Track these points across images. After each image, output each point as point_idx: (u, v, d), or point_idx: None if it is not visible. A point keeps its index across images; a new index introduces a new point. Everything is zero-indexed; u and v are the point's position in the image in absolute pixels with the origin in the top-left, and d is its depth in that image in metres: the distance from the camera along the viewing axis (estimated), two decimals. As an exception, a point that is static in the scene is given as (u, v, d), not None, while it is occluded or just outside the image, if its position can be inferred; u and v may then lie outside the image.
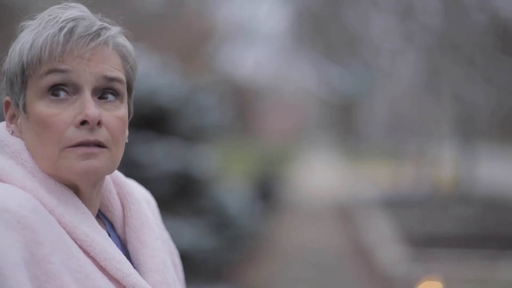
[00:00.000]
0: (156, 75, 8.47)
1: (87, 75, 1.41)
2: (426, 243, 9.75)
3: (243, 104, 30.76)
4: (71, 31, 1.41)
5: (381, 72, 20.82)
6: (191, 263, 6.80)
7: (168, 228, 1.80)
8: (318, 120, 47.09)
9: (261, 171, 15.87)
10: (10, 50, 1.50)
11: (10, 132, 1.45)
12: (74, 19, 1.43)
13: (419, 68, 16.26)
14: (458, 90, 14.29)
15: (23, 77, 1.44)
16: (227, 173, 10.96)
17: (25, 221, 1.33)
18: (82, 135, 1.40)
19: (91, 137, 1.39)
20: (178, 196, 7.50)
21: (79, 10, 1.47)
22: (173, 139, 8.39)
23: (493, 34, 14.06)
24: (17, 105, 1.45)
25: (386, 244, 9.87)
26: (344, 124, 37.13)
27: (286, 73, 33.28)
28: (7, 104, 1.48)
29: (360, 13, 18.15)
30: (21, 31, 1.51)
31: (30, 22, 1.50)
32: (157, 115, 8.41)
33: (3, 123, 1.47)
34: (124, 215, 1.54)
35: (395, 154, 21.65)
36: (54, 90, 1.41)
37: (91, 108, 1.39)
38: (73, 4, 1.49)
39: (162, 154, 8.04)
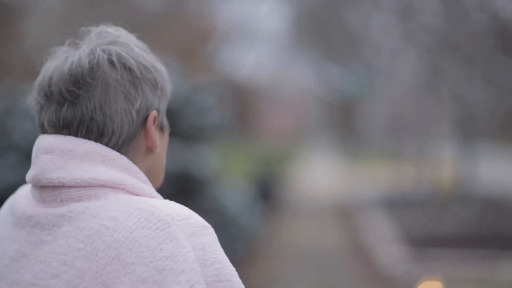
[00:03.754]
0: (156, 75, 8.47)
1: None
2: (426, 243, 9.75)
3: (243, 104, 30.74)
4: None
5: (381, 72, 20.82)
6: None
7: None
8: (318, 120, 47.08)
9: (261, 171, 15.86)
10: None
11: (157, 148, 1.49)
12: None
13: (419, 68, 16.26)
14: (458, 90, 14.28)
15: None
16: (227, 173, 10.96)
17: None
18: None
19: None
20: (178, 196, 7.50)
21: None
22: (173, 139, 8.38)
23: (493, 34, 14.06)
24: (161, 121, 1.50)
25: (386, 244, 9.87)
26: (344, 124, 37.12)
27: (286, 73, 33.29)
28: (154, 116, 1.47)
29: (360, 13, 18.15)
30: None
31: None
32: (157, 115, 8.41)
33: (90, 143, 1.40)
34: None
35: (395, 154, 21.64)
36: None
37: None
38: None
39: (162, 154, 8.04)
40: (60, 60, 1.40)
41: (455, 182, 14.83)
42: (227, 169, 12.40)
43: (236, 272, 1.39)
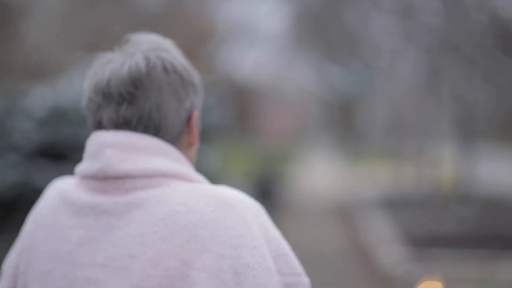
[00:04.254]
0: (156, 75, 8.47)
1: None
2: (426, 243, 9.74)
3: (243, 104, 30.75)
4: None
5: (381, 72, 20.82)
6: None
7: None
8: (318, 120, 47.08)
9: (261, 171, 15.86)
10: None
11: (197, 144, 1.65)
12: None
13: (419, 68, 16.26)
14: (458, 90, 14.28)
15: None
16: (227, 173, 10.96)
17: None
18: None
19: None
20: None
21: None
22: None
23: (493, 34, 14.06)
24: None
25: (386, 244, 9.87)
26: (344, 124, 37.11)
27: (286, 73, 33.29)
28: (195, 115, 1.64)
29: (360, 13, 18.15)
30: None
31: None
32: (157, 115, 8.40)
33: (147, 137, 1.56)
34: None
35: (395, 154, 21.64)
36: None
37: None
38: None
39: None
40: (116, 64, 1.55)
41: (455, 182, 14.83)
42: (227, 169, 12.39)
43: (289, 247, 1.61)
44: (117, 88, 1.53)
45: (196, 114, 1.62)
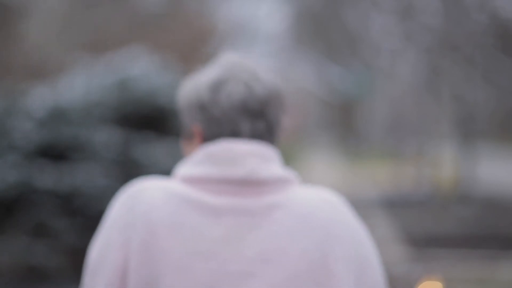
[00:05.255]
0: (156, 75, 8.46)
1: None
2: (426, 243, 9.75)
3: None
4: None
5: (381, 72, 20.82)
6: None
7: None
8: (318, 120, 47.09)
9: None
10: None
11: None
12: None
13: (419, 68, 16.26)
14: (458, 90, 14.28)
15: None
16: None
17: None
18: None
19: None
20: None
21: None
22: (173, 139, 8.38)
23: (493, 34, 14.06)
24: None
25: (386, 244, 9.87)
26: (344, 124, 37.12)
27: (286, 73, 33.29)
28: None
29: (360, 13, 18.15)
30: None
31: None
32: (157, 115, 8.40)
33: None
34: None
35: (395, 154, 21.64)
36: None
37: None
38: None
39: (162, 154, 8.04)
40: (238, 89, 1.77)
41: (455, 182, 14.83)
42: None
43: None
44: (252, 107, 1.77)
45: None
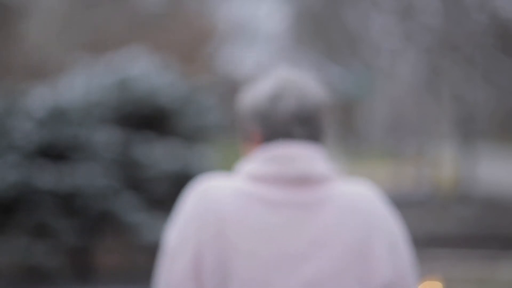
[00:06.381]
0: (156, 75, 8.46)
1: None
2: (426, 243, 9.75)
3: (243, 104, 30.67)
4: None
5: (381, 72, 20.82)
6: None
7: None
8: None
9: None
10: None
11: None
12: None
13: (419, 68, 16.26)
14: (458, 90, 14.29)
15: None
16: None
17: None
18: None
19: None
20: (178, 196, 7.50)
21: None
22: (173, 139, 8.39)
23: (493, 34, 14.06)
24: None
25: (386, 244, 9.86)
26: (344, 124, 37.10)
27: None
28: None
29: (360, 13, 18.16)
30: None
31: None
32: (157, 115, 8.41)
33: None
34: None
35: (395, 154, 21.64)
36: None
37: None
38: None
39: (162, 154, 8.04)
40: (292, 101, 2.08)
41: (455, 182, 14.84)
42: (227, 169, 12.36)
43: None
44: (303, 115, 2.08)
45: None
